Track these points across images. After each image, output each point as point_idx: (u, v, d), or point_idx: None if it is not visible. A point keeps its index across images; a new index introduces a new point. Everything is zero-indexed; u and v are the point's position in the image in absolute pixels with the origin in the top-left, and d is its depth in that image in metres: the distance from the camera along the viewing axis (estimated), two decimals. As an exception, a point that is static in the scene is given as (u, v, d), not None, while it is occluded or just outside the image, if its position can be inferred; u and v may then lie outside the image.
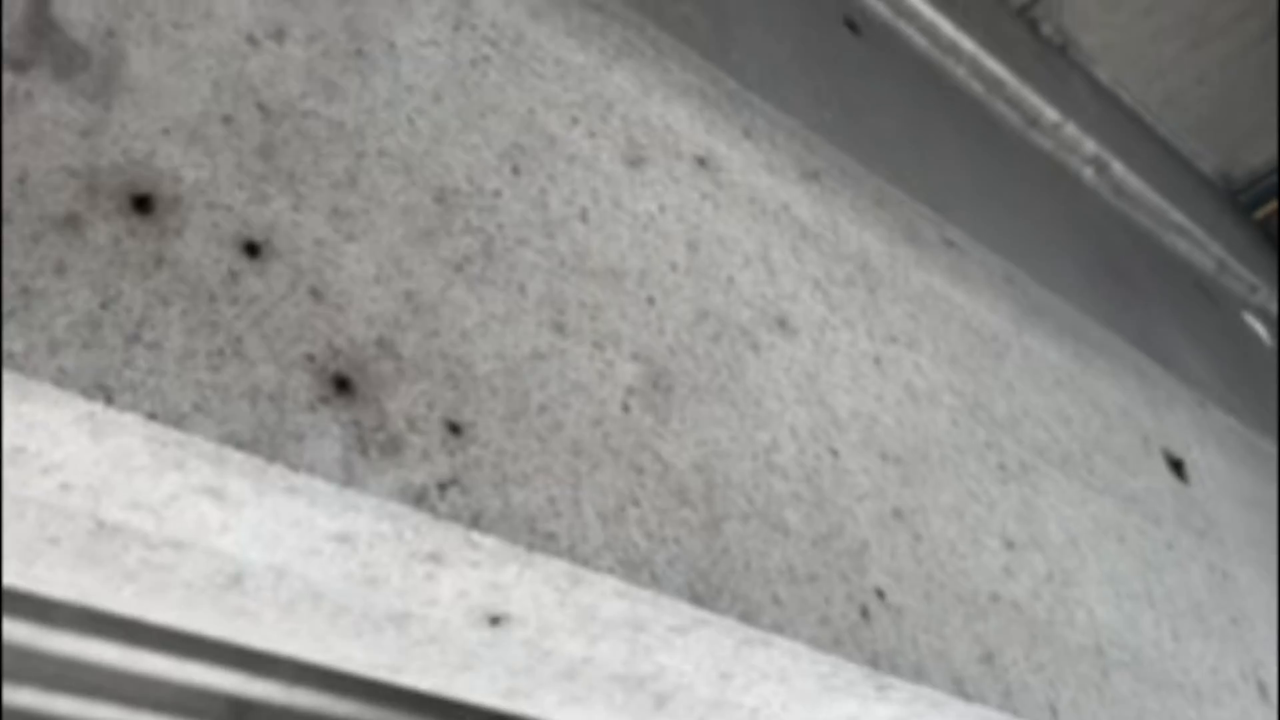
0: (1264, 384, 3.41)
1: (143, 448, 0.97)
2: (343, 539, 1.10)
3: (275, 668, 1.76)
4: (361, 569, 1.14)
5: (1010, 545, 1.77)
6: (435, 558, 1.14)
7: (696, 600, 1.26)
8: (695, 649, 1.33)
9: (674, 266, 1.56)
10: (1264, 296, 3.89)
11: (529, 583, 1.19)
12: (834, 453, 1.58)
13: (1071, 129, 3.28)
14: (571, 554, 1.17)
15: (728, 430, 1.45)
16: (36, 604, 1.55)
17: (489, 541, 1.12)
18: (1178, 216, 3.59)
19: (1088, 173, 3.37)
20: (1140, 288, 3.20)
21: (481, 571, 1.16)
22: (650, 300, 1.49)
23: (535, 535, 1.15)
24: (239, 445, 0.99)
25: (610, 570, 1.20)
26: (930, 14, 2.95)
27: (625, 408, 1.34)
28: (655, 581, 1.23)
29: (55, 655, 1.67)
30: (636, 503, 1.27)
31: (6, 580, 1.14)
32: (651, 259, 1.53)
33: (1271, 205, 4.27)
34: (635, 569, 1.22)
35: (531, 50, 1.59)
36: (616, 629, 1.28)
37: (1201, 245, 3.70)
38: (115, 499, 1.02)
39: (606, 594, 1.22)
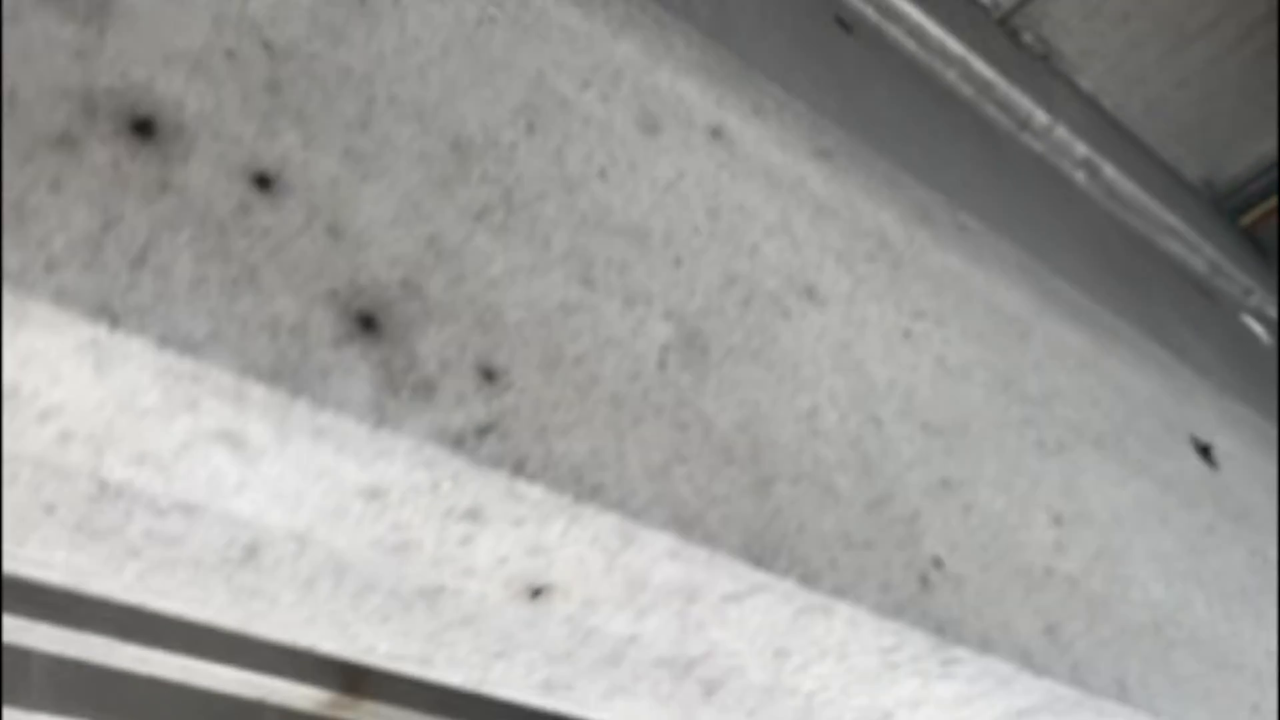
0: (1269, 381, 3.36)
1: (152, 383, 0.87)
2: (373, 494, 0.99)
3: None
4: (392, 532, 1.03)
5: (1058, 520, 1.68)
6: (474, 515, 1.03)
7: (754, 561, 1.16)
8: (750, 620, 1.22)
9: (697, 230, 1.47)
10: (1259, 299, 3.85)
11: (575, 543, 1.08)
12: (876, 421, 1.49)
13: (1062, 132, 3.25)
14: (622, 507, 1.07)
15: (768, 393, 1.36)
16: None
17: (534, 492, 1.02)
18: (1170, 219, 3.57)
19: (1079, 176, 3.34)
20: (1142, 286, 3.16)
21: (524, 530, 1.06)
22: (677, 261, 1.40)
23: (582, 487, 1.05)
24: (260, 378, 0.88)
25: (663, 526, 1.09)
26: (917, 16, 2.92)
27: (662, 365, 1.25)
28: (710, 540, 1.13)
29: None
30: (683, 459, 1.17)
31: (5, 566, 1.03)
32: (674, 221, 1.45)
33: (1255, 211, 4.27)
34: (688, 526, 1.12)
35: (537, 15, 1.52)
36: (667, 599, 1.17)
37: (1195, 248, 3.67)
38: (120, 451, 0.92)
39: (658, 555, 1.11)
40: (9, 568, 1.03)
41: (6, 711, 5.14)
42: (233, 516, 0.99)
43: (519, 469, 1.01)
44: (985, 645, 1.35)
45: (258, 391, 0.88)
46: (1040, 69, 3.65)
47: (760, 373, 1.38)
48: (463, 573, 1.10)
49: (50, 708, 5.26)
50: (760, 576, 1.16)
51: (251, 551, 1.04)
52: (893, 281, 1.81)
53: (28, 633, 4.75)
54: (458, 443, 0.98)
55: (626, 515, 1.07)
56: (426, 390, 0.99)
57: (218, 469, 0.94)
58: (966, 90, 3.05)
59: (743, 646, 1.26)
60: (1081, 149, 3.30)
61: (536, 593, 1.14)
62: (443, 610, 1.15)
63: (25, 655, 5.16)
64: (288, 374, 0.90)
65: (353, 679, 5.58)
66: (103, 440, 0.91)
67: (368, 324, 0.99)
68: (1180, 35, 3.66)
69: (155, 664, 5.05)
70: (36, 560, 1.02)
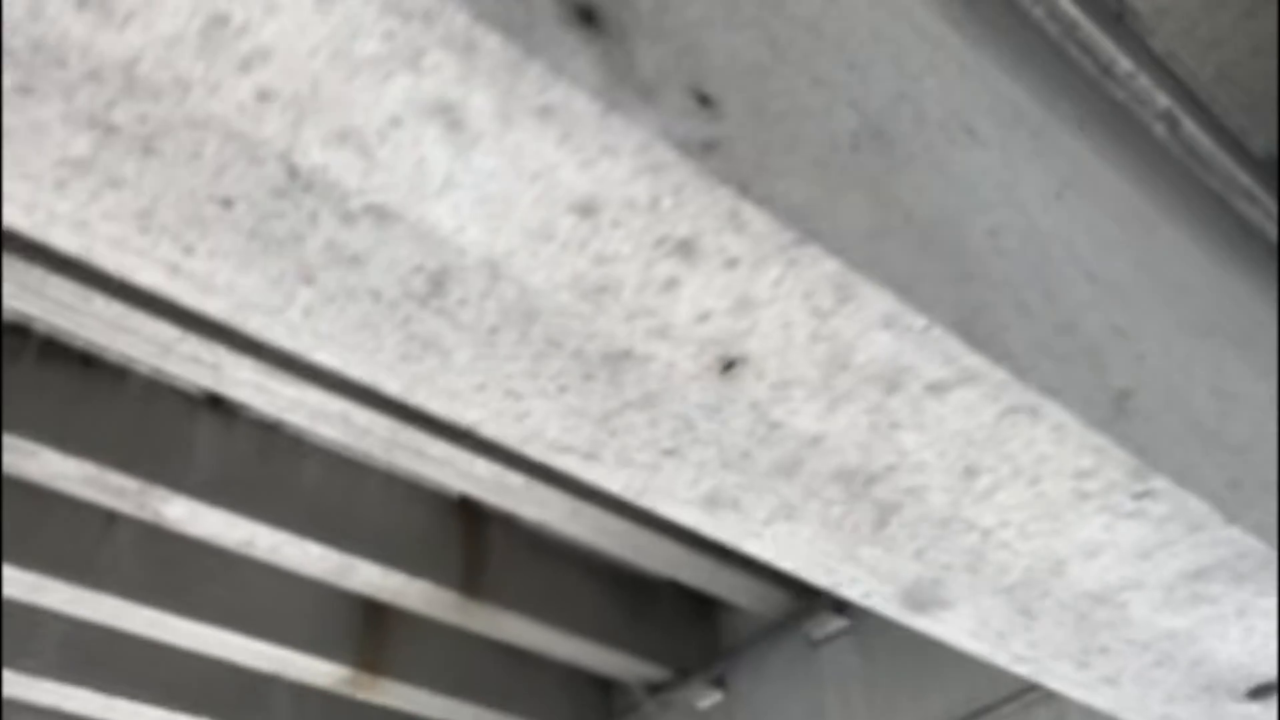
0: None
1: (376, 22, 0.76)
2: (586, 210, 0.89)
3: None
4: (595, 266, 0.93)
5: (1217, 393, 1.58)
6: (686, 249, 0.93)
7: (968, 340, 1.05)
8: (950, 421, 1.11)
9: (864, 44, 1.38)
10: (1329, 271, 3.77)
11: (786, 297, 0.98)
12: (1048, 257, 1.39)
13: (1144, 81, 3.17)
14: (843, 255, 0.97)
15: (951, 201, 1.26)
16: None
17: (758, 221, 0.92)
18: (1245, 181, 3.49)
19: (1159, 128, 3.26)
20: (1223, 239, 3.08)
21: (735, 275, 0.95)
22: (851, 65, 1.30)
23: (805, 227, 0.95)
24: (494, 26, 0.78)
25: (883, 284, 0.99)
26: (1008, -54, 2.84)
27: (855, 147, 1.15)
28: (927, 309, 1.02)
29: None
30: (890, 233, 1.07)
31: (150, 279, 0.92)
32: (843, 30, 1.35)
33: (1318, 193, 4.18)
34: (906, 290, 1.01)
35: None
36: (865, 386, 1.07)
37: (1270, 215, 3.58)
38: (322, 123, 0.81)
39: (872, 322, 1.01)
40: (160, 284, 0.92)
41: (11, 675, 4.92)
42: (428, 229, 0.89)
43: (744, 190, 0.91)
44: (1182, 479, 1.24)
45: (491, 42, 0.78)
46: (1114, 30, 3.58)
47: (942, 182, 1.28)
48: (657, 332, 0.99)
49: (56, 674, 5.07)
50: (973, 360, 1.06)
51: (438, 283, 0.93)
52: (1036, 149, 1.72)
53: (40, 591, 4.58)
54: (684, 148, 0.88)
55: (849, 265, 0.97)
56: (648, 92, 0.89)
57: (426, 157, 0.84)
58: (1052, 29, 2.97)
59: (932, 459, 1.15)
60: (1163, 100, 3.22)
61: (729, 366, 1.03)
62: (624, 383, 1.04)
63: (34, 616, 4.96)
64: (519, 32, 0.80)
65: (372, 656, 5.40)
66: (305, 105, 0.80)
67: (587, 17, 0.89)
68: (1256, -2, 3.58)
69: (169, 629, 4.88)
70: (200, 277, 0.91)
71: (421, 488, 4.60)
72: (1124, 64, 3.10)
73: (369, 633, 5.16)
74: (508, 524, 4.86)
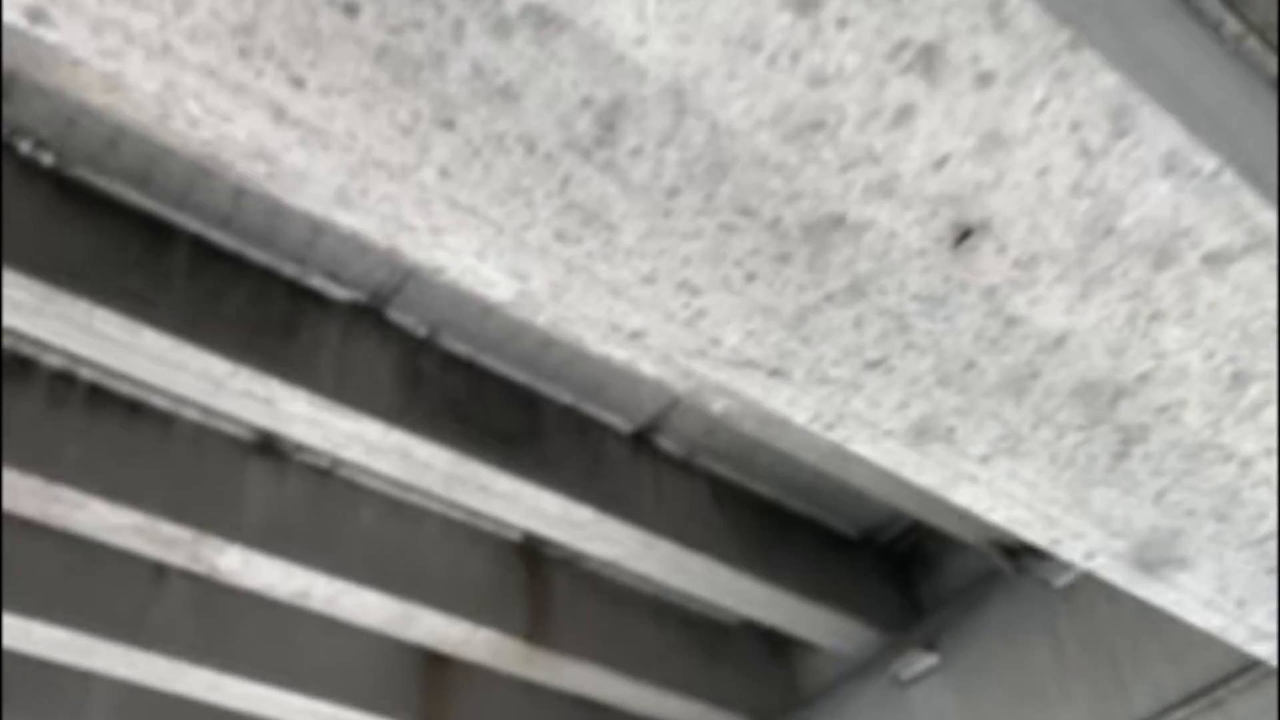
0: None
1: None
2: (805, 4, 0.68)
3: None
4: (808, 89, 0.72)
5: None
6: (928, 60, 0.72)
7: (1264, 191, 0.84)
8: (1223, 310, 0.89)
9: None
10: None
11: (1048, 131, 0.77)
12: (1268, 147, 1.19)
13: (1254, 43, 2.97)
14: (1121, 67, 0.76)
15: (1175, 70, 1.05)
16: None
17: (1026, 14, 0.71)
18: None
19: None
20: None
21: (987, 97, 0.74)
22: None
23: (1076, 32, 0.74)
24: None
25: (1168, 110, 0.78)
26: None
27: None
28: (1218, 148, 0.81)
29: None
30: (1149, 67, 0.86)
31: (250, 126, 0.72)
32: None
33: None
34: (1194, 122, 0.80)
35: None
36: (1129, 262, 0.85)
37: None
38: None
39: (1150, 166, 0.80)
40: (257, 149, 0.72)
41: (62, 747, 4.65)
42: (602, 40, 0.69)
43: (1007, -25, 0.70)
44: None
45: None
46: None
47: (1158, 51, 1.07)
48: (878, 188, 0.78)
49: (109, 743, 4.79)
50: (1268, 217, 0.84)
51: (608, 125, 0.73)
52: (1211, 62, 1.53)
53: (91, 654, 4.38)
54: (938, -87, 0.67)
55: (1130, 80, 0.76)
56: None
57: (607, -74, 0.64)
58: (1152, -9, 2.79)
59: (1196, 362, 0.93)
60: (1273, 66, 3.01)
61: (964, 236, 0.82)
62: (828, 266, 0.83)
63: (85, 681, 4.75)
64: None
65: (434, 712, 5.16)
66: None
67: None
68: (1349, -33, 3.37)
69: (222, 691, 4.66)
70: (312, 123, 0.71)
71: (481, 530, 4.38)
72: (1232, 24, 2.89)
73: (430, 687, 4.92)
74: (571, 566, 4.62)
